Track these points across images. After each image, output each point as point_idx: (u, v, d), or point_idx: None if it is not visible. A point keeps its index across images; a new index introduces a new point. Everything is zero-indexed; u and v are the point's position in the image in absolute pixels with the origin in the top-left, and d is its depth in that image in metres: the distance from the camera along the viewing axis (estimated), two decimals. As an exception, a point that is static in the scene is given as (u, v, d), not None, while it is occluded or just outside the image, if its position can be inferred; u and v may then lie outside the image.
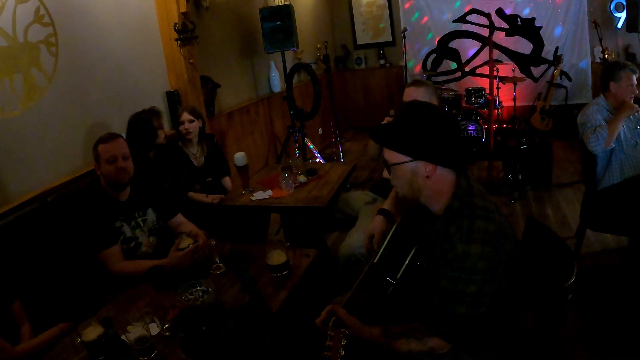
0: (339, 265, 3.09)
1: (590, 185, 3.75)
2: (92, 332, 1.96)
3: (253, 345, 1.00)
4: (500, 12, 5.20)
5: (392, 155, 1.82)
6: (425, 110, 1.81)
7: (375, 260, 2.03)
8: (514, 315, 1.87)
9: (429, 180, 1.78)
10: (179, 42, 4.40)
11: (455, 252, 1.70)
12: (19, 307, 2.50)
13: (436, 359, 1.82)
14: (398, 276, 1.91)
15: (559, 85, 6.92)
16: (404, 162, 1.78)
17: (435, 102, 3.34)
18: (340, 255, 3.08)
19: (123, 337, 1.95)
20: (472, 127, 6.47)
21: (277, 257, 2.42)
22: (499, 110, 6.89)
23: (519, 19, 5.16)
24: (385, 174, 1.90)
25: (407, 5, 7.91)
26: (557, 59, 6.52)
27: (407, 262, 1.91)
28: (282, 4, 5.89)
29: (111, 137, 2.84)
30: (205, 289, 2.31)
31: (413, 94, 3.29)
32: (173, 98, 4.59)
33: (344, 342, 1.73)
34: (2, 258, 2.55)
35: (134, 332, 1.96)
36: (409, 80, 7.80)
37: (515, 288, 1.79)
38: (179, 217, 3.12)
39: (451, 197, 1.79)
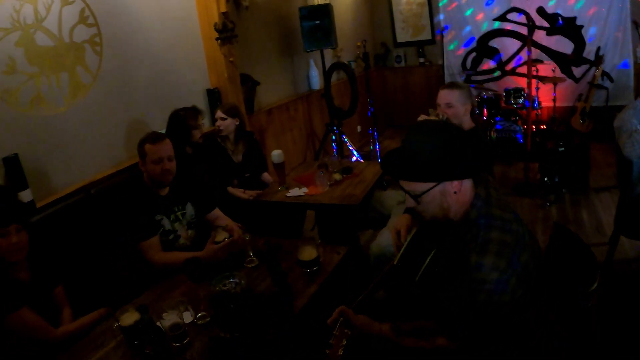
0: (370, 263, 3.14)
1: (625, 191, 3.62)
2: (129, 317, 2.07)
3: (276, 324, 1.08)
4: (541, 10, 5.14)
5: (416, 186, 1.83)
6: (430, 131, 1.82)
7: (395, 262, 2.08)
8: (527, 321, 1.88)
9: (457, 195, 1.81)
10: (219, 41, 4.50)
11: (468, 261, 1.71)
12: (61, 292, 2.64)
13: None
14: (416, 278, 1.95)
15: (600, 87, 6.73)
16: (431, 189, 1.80)
17: (469, 105, 3.33)
18: (371, 254, 3.13)
19: (158, 323, 2.05)
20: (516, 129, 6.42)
21: (308, 253, 2.50)
22: (538, 111, 6.79)
23: (560, 17, 5.08)
24: (410, 202, 1.89)
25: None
26: (598, 60, 6.38)
27: (425, 265, 1.94)
28: (322, 3, 5.94)
29: (158, 138, 2.95)
30: (237, 281, 2.40)
31: (447, 96, 3.29)
32: (214, 95, 4.71)
33: (344, 342, 1.82)
34: (47, 245, 2.68)
35: (169, 319, 2.06)
36: (447, 79, 7.81)
37: (531, 295, 1.80)
38: (216, 212, 3.23)
39: (469, 207, 1.81)
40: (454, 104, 3.28)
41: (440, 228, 1.95)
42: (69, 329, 2.43)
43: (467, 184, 1.82)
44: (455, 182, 1.78)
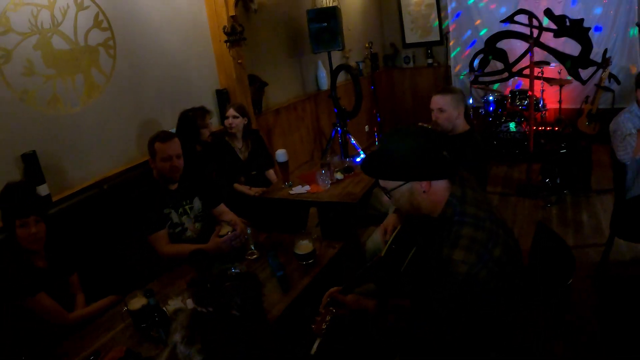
0: (366, 258, 3.28)
1: (620, 194, 3.68)
2: (137, 302, 2.25)
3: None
4: (549, 12, 5.19)
5: (387, 183, 1.98)
6: (403, 135, 1.97)
7: (382, 254, 2.24)
8: (504, 316, 1.98)
9: (426, 194, 1.93)
10: (228, 43, 4.66)
11: (441, 255, 1.84)
12: (76, 279, 2.85)
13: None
14: (401, 270, 2.10)
15: (607, 89, 6.76)
16: (399, 186, 1.95)
17: (462, 108, 3.44)
18: (367, 249, 3.27)
19: (164, 308, 2.22)
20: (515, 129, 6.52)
21: (305, 247, 2.67)
22: (543, 113, 6.85)
23: (567, 19, 5.13)
24: (386, 198, 2.06)
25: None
26: (605, 61, 6.39)
27: (408, 258, 2.09)
28: (329, 5, 6.06)
29: (167, 137, 3.13)
30: (238, 271, 2.56)
31: (440, 101, 3.41)
32: (222, 96, 4.88)
33: (328, 319, 2.01)
34: (63, 236, 2.87)
35: (173, 304, 2.24)
36: (452, 81, 7.90)
37: (507, 290, 1.90)
38: (222, 207, 3.41)
39: (445, 205, 1.93)
40: (446, 109, 3.38)
41: (421, 225, 2.08)
42: (82, 313, 2.64)
43: (439, 184, 1.93)
44: (424, 183, 1.90)
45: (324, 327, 2.00)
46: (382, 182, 2.01)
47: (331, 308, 2.07)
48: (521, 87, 7.19)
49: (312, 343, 1.98)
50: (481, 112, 7.05)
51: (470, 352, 1.95)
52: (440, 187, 1.94)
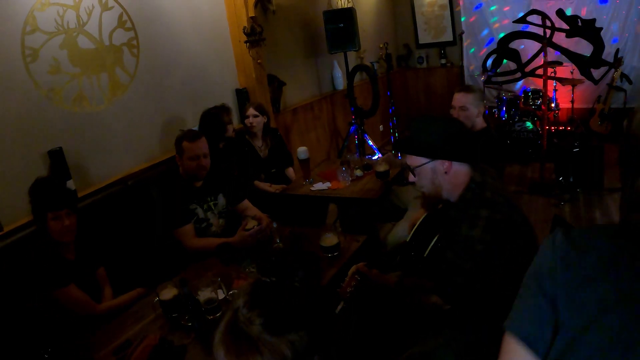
0: (387, 251, 3.34)
1: None
2: (168, 292, 2.31)
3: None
4: (560, 12, 5.21)
5: (414, 161, 2.14)
6: (432, 120, 2.14)
7: (408, 240, 2.34)
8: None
9: (447, 175, 2.07)
10: (247, 44, 4.72)
11: (460, 233, 1.98)
12: (103, 273, 2.92)
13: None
14: (425, 255, 2.23)
15: (619, 88, 6.77)
16: (424, 164, 2.10)
17: (482, 107, 3.54)
18: (388, 243, 3.34)
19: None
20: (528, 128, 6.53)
21: (330, 239, 2.74)
22: (556, 112, 6.86)
23: (579, 19, 5.15)
24: (411, 177, 2.20)
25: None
26: (617, 61, 6.39)
27: (431, 245, 2.22)
28: (345, 6, 6.10)
29: (195, 136, 3.19)
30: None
31: (462, 99, 3.50)
32: (242, 95, 4.93)
33: (353, 284, 2.23)
34: (90, 231, 2.92)
35: (204, 294, 2.29)
36: (466, 81, 7.91)
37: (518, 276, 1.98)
38: (246, 203, 3.47)
39: (465, 189, 2.07)
40: (468, 107, 3.47)
41: (443, 215, 2.21)
42: (110, 305, 2.70)
43: (460, 168, 2.08)
44: (446, 163, 2.06)
45: (348, 291, 2.21)
46: (408, 160, 2.17)
47: (356, 276, 2.26)
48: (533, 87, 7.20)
49: (337, 304, 2.21)
50: (494, 111, 7.06)
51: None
52: (461, 172, 2.08)
